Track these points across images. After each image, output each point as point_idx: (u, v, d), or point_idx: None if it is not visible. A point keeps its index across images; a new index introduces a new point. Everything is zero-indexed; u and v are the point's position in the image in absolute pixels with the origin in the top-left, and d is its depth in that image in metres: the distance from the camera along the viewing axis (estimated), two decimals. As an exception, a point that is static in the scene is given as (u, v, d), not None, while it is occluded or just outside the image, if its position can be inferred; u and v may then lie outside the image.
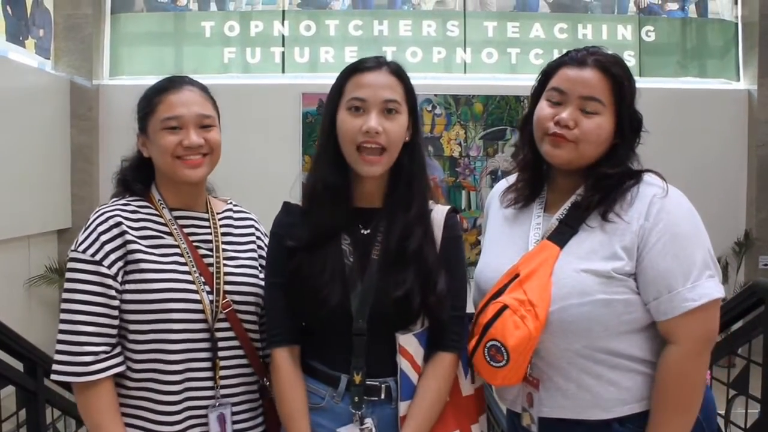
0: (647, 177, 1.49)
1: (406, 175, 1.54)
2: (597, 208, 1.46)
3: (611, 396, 1.43)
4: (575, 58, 1.50)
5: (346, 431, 1.49)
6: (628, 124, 1.49)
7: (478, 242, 6.22)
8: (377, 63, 1.52)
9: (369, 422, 1.49)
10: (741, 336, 2.24)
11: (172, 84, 1.64)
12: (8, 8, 5.65)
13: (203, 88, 1.68)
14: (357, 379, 1.48)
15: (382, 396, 1.50)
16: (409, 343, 1.50)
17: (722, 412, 2.33)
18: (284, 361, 1.53)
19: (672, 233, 1.40)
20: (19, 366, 2.59)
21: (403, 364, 1.49)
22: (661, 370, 1.42)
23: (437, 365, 1.52)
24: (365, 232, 1.54)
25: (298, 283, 1.49)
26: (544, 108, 1.52)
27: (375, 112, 1.47)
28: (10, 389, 2.54)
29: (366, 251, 1.52)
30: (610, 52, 1.52)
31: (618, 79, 1.47)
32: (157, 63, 6.55)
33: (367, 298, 1.48)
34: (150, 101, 1.63)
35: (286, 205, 1.62)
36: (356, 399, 1.49)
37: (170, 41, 6.62)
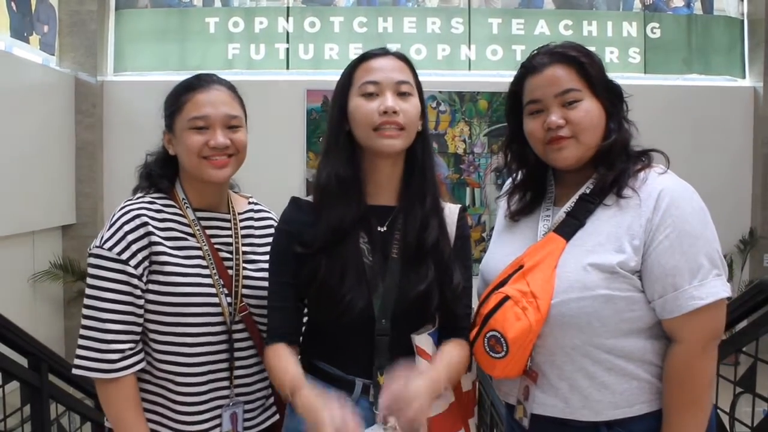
0: (657, 168, 1.48)
1: (420, 165, 1.52)
2: (611, 187, 1.45)
3: (603, 398, 1.41)
4: (532, 65, 1.50)
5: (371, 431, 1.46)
6: (608, 96, 1.49)
7: (483, 239, 6.26)
8: (384, 50, 1.51)
9: (392, 420, 1.44)
10: (748, 334, 2.23)
11: (200, 82, 1.62)
12: (13, 4, 5.66)
13: (231, 87, 1.67)
14: (381, 380, 1.44)
15: None
16: (426, 343, 1.48)
17: (728, 410, 2.33)
18: (285, 350, 1.48)
19: (680, 230, 1.37)
20: (23, 362, 2.59)
21: (423, 365, 1.46)
22: (668, 370, 1.40)
23: (454, 342, 1.51)
24: (382, 230, 1.51)
25: (318, 288, 1.44)
26: (530, 123, 1.51)
27: (390, 92, 1.44)
28: (15, 385, 2.55)
29: (385, 250, 1.48)
30: (558, 42, 1.52)
31: (578, 60, 1.47)
32: (162, 59, 6.55)
33: (389, 297, 1.45)
34: (177, 99, 1.61)
35: (295, 201, 1.57)
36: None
37: (174, 37, 6.62)
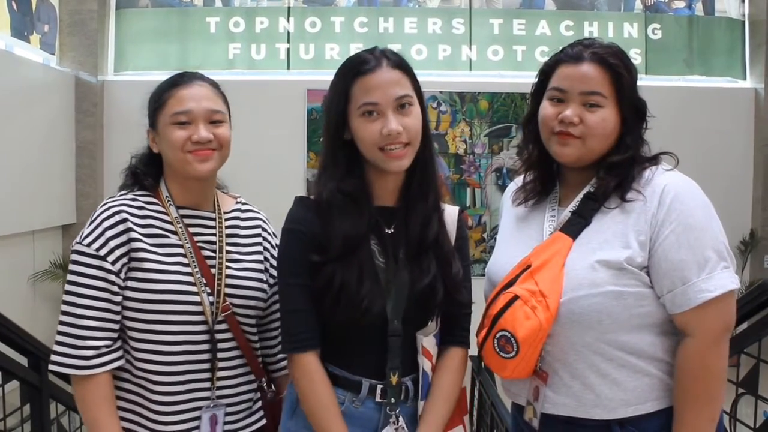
0: (663, 165, 1.49)
1: (422, 166, 1.51)
2: (615, 191, 1.46)
3: (615, 396, 1.42)
4: (571, 54, 1.50)
5: None
6: (631, 112, 1.49)
7: (483, 239, 6.27)
8: (377, 60, 1.45)
9: (401, 420, 1.49)
10: (750, 335, 2.23)
11: (182, 79, 1.63)
12: (13, 4, 5.66)
13: (214, 84, 1.67)
14: (394, 380, 1.47)
15: (402, 396, 1.50)
16: (430, 344, 1.50)
17: (728, 411, 2.32)
18: (316, 364, 1.46)
19: (686, 224, 1.38)
20: (23, 361, 2.59)
21: (426, 364, 1.49)
22: (681, 364, 1.40)
23: (452, 361, 1.54)
24: (390, 232, 1.51)
25: (334, 293, 1.43)
26: (547, 108, 1.52)
27: (390, 111, 1.42)
28: (15, 384, 2.55)
29: (394, 251, 1.49)
30: (604, 42, 1.52)
31: (616, 68, 1.47)
32: (162, 59, 6.56)
33: (400, 298, 1.46)
34: (160, 96, 1.61)
35: (301, 200, 1.53)
36: (392, 400, 1.47)
37: (175, 37, 6.62)
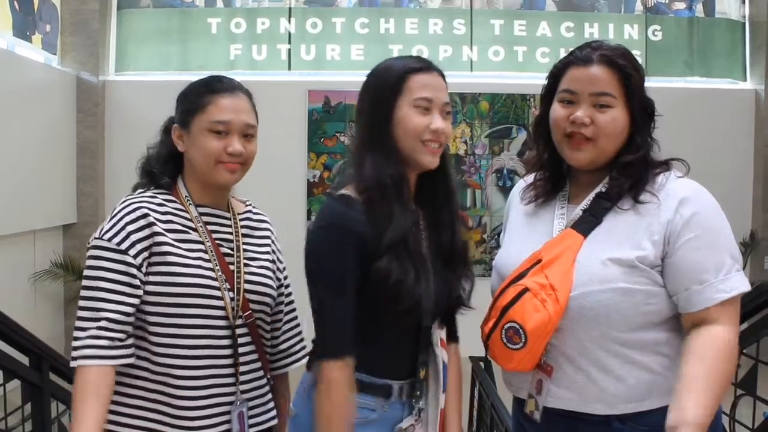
0: (675, 171, 1.52)
1: (443, 171, 1.56)
2: (629, 192, 1.48)
3: (617, 392, 1.44)
4: (580, 57, 1.53)
5: (406, 423, 1.51)
6: (640, 112, 1.51)
7: (483, 240, 6.27)
8: (430, 65, 1.53)
9: (422, 413, 1.54)
10: (749, 336, 2.24)
11: (223, 86, 1.63)
12: (15, 3, 5.66)
13: (250, 96, 1.68)
14: (422, 374, 1.52)
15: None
16: (443, 336, 1.58)
17: (728, 411, 2.33)
18: (346, 374, 1.42)
19: (704, 227, 1.42)
20: (24, 360, 2.60)
21: (444, 355, 1.54)
22: (701, 343, 1.37)
23: (455, 357, 1.64)
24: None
25: (390, 285, 1.41)
26: (557, 110, 1.54)
27: (437, 112, 1.49)
28: (16, 383, 2.56)
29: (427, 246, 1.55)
30: (612, 44, 1.55)
31: (625, 69, 1.50)
32: (164, 59, 6.56)
33: (436, 293, 1.50)
34: (200, 98, 1.61)
35: (342, 198, 1.48)
36: (418, 393, 1.52)
37: (176, 37, 6.62)
